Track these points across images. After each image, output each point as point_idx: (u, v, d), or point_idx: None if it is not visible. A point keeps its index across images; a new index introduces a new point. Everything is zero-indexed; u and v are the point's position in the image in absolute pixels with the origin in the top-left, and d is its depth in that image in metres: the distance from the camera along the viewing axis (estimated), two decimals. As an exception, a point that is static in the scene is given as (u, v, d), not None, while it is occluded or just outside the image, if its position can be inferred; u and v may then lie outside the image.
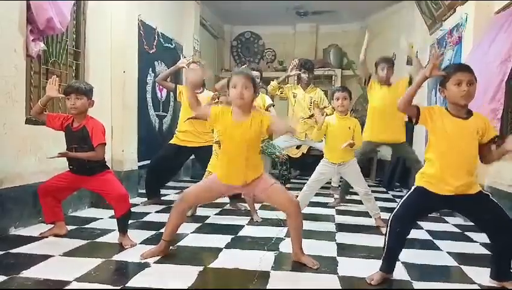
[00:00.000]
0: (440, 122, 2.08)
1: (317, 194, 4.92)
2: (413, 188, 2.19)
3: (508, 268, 2.13)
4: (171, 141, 4.16)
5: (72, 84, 2.76)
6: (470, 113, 2.10)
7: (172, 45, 5.67)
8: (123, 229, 2.76)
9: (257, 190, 2.45)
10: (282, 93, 5.03)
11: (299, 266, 2.43)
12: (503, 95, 3.28)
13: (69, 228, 3.03)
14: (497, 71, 3.28)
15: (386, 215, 3.94)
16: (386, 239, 2.18)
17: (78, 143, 2.72)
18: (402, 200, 2.20)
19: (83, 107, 2.72)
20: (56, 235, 2.85)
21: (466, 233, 3.35)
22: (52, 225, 2.89)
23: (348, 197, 4.83)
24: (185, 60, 4.30)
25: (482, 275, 2.34)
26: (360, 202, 4.60)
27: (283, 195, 2.45)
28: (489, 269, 2.52)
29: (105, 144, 2.75)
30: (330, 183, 5.14)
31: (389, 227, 2.17)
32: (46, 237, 2.83)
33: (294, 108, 5.08)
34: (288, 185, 5.79)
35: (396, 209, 2.18)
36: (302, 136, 5.02)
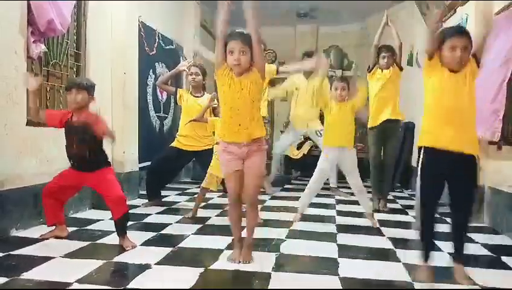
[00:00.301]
0: (442, 74, 2.11)
1: (317, 195, 4.93)
2: (421, 155, 2.19)
3: (458, 248, 2.19)
4: (173, 144, 4.16)
5: (73, 80, 2.76)
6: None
7: (173, 45, 5.68)
8: (122, 231, 2.76)
9: (248, 162, 2.43)
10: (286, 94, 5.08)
11: (300, 267, 2.43)
12: (505, 95, 3.28)
13: (70, 229, 3.03)
14: (499, 72, 3.28)
15: (386, 216, 3.94)
16: (423, 218, 2.21)
17: (78, 135, 2.70)
18: (419, 171, 2.20)
19: (83, 102, 2.71)
20: (57, 237, 2.85)
21: (467, 234, 3.34)
22: (53, 227, 2.89)
23: (348, 198, 4.84)
24: (186, 62, 4.29)
25: (483, 275, 2.35)
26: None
27: (251, 184, 2.44)
28: (490, 270, 2.53)
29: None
30: (330, 184, 5.16)
31: (422, 206, 2.20)
32: (47, 239, 2.83)
33: (297, 100, 5.08)
34: (289, 186, 5.81)
35: (420, 187, 2.19)
36: (303, 126, 5.04)
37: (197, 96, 4.11)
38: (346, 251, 2.77)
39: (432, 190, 2.17)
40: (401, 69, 4.17)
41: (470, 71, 2.08)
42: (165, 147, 4.38)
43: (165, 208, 4.07)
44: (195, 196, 4.15)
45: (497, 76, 3.29)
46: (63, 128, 2.79)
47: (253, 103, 2.39)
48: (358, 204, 4.48)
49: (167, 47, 5.54)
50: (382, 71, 4.19)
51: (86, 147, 2.72)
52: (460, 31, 2.11)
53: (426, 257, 2.26)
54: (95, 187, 2.85)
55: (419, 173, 2.21)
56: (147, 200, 4.21)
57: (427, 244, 2.26)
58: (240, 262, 2.44)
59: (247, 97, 2.36)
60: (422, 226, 2.24)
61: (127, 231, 2.79)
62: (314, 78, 5.02)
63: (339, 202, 4.70)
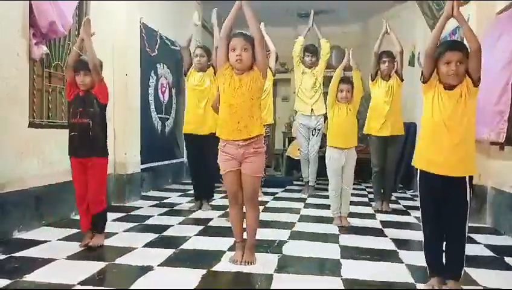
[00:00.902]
0: (437, 92, 2.10)
1: (319, 196, 4.94)
2: (418, 178, 2.18)
3: (453, 266, 2.12)
4: (184, 131, 4.14)
5: (81, 60, 2.75)
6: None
7: (176, 46, 5.67)
8: (95, 228, 2.77)
9: (245, 164, 2.42)
10: (298, 62, 5.20)
11: (302, 269, 2.42)
12: (510, 97, 3.27)
13: (72, 231, 3.03)
14: (502, 73, 3.26)
15: (388, 217, 3.93)
16: (423, 238, 2.19)
17: (85, 106, 2.72)
18: (418, 198, 2.21)
19: (91, 84, 2.74)
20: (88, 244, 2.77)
21: (469, 235, 3.33)
22: (88, 234, 2.82)
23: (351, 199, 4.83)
24: (196, 15, 4.24)
25: (485, 277, 2.34)
26: (363, 204, 4.61)
27: (248, 186, 2.45)
28: (493, 271, 2.52)
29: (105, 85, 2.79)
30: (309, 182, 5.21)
31: (422, 228, 2.20)
32: (86, 246, 2.73)
33: (302, 86, 5.18)
34: (290, 187, 5.81)
35: (420, 207, 2.19)
36: (308, 110, 5.10)
37: (200, 73, 4.08)
38: (348, 252, 2.76)
39: (429, 208, 2.15)
40: (402, 80, 4.18)
41: (466, 89, 2.05)
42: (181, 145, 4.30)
43: (167, 209, 4.07)
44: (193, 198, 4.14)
45: (501, 77, 3.27)
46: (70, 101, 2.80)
47: (253, 101, 2.39)
48: (361, 205, 4.52)
49: (168, 48, 5.54)
50: (386, 82, 4.18)
51: (89, 119, 2.72)
52: (453, 46, 2.10)
53: (431, 273, 2.20)
54: (87, 178, 2.79)
55: (418, 191, 2.21)
56: (195, 203, 4.13)
57: (432, 264, 2.19)
58: (242, 263, 2.44)
59: (246, 94, 2.37)
60: (425, 246, 2.19)
61: (132, 235, 2.77)
62: (316, 68, 5.15)
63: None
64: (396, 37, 4.20)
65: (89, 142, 2.73)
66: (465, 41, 2.16)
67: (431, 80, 2.11)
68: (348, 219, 3.58)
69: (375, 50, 4.19)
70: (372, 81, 4.25)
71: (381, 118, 4.18)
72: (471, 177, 2.10)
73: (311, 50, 5.19)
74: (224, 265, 2.45)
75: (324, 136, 4.39)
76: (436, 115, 2.08)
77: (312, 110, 5.12)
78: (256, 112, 2.42)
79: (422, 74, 2.14)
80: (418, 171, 2.18)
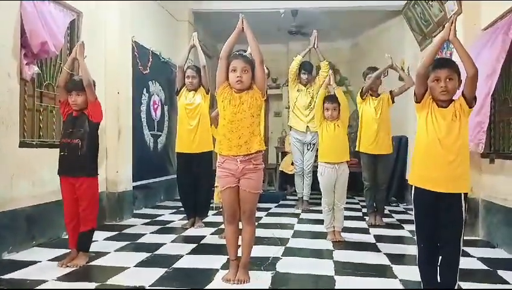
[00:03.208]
0: (431, 110, 2.12)
1: (313, 211, 4.93)
2: (413, 194, 2.20)
3: (447, 280, 2.11)
4: (176, 150, 4.15)
5: (72, 81, 2.78)
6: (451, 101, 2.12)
7: (166, 64, 5.70)
8: (81, 246, 2.76)
9: (244, 180, 2.43)
10: (294, 80, 5.24)
11: (296, 286, 2.41)
12: (489, 108, 3.33)
13: (62, 251, 2.99)
14: (483, 85, 3.31)
15: (382, 231, 3.93)
16: (417, 258, 2.19)
17: (75, 127, 2.74)
18: (413, 213, 2.22)
19: (83, 104, 2.76)
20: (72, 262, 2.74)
21: (463, 248, 3.32)
22: (70, 252, 2.82)
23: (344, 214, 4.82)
24: (195, 34, 4.26)
25: (480, 291, 2.34)
26: (357, 218, 4.60)
27: (247, 202, 2.46)
28: (488, 285, 2.52)
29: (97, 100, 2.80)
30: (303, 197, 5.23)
31: (417, 244, 2.20)
32: (67, 266, 2.69)
33: (297, 103, 5.24)
34: (284, 202, 5.80)
35: (415, 223, 2.20)
36: (303, 127, 5.15)
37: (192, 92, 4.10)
38: (342, 268, 2.75)
39: (424, 224, 2.16)
40: (393, 102, 4.25)
41: (460, 108, 2.08)
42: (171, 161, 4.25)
43: (159, 227, 4.03)
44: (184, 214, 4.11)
45: (482, 89, 3.32)
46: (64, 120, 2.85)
47: (253, 118, 2.43)
48: (355, 219, 4.51)
49: (160, 65, 5.57)
50: (375, 98, 4.24)
51: (79, 139, 2.73)
52: (442, 63, 2.13)
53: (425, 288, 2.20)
54: (77, 198, 2.79)
55: (413, 207, 2.22)
56: (186, 221, 4.12)
57: (426, 280, 2.18)
58: (235, 282, 2.42)
59: (247, 111, 2.40)
60: (419, 262, 2.19)
61: (123, 252, 2.75)
62: (312, 85, 5.22)
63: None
64: (405, 74, 4.35)
65: (77, 162, 2.73)
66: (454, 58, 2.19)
67: (424, 99, 2.13)
68: (342, 233, 3.57)
69: (372, 77, 4.22)
70: (362, 98, 4.29)
71: (370, 136, 4.22)
72: (465, 194, 2.10)
73: (308, 68, 5.25)
74: (217, 284, 2.43)
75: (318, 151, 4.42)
76: (431, 132, 2.09)
77: (307, 126, 5.16)
78: (256, 128, 2.46)
79: (415, 94, 2.16)
80: (413, 187, 2.18)
